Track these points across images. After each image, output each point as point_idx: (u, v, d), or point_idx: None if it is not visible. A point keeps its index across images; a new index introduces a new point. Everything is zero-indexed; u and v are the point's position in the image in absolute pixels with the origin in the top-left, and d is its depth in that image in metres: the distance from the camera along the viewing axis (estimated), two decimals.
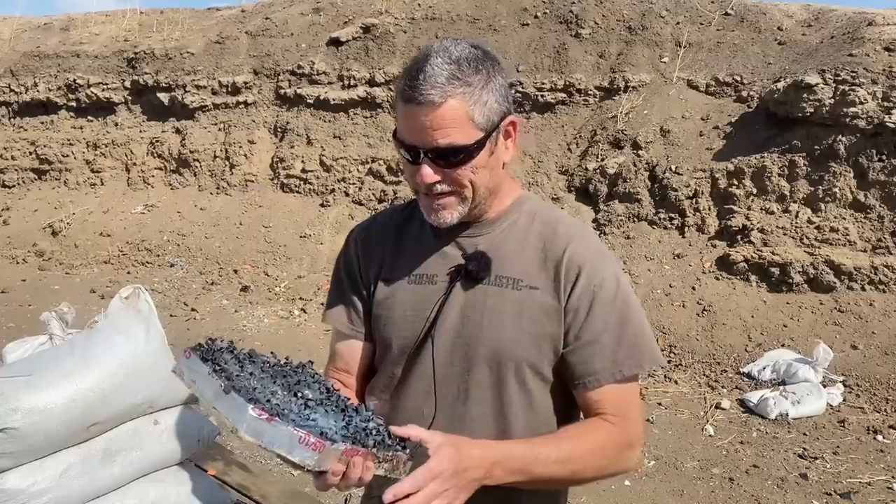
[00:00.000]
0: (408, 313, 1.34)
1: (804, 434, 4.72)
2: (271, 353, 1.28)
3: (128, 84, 9.85)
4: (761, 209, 6.55)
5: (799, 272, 6.07)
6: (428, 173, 1.22)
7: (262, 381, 1.13)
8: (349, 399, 1.20)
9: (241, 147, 9.17)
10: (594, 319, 1.28)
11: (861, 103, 6.16)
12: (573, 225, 1.42)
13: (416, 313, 1.34)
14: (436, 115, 1.18)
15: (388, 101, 8.66)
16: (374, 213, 1.59)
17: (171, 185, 9.40)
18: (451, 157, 1.22)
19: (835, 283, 5.99)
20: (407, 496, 1.06)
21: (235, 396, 1.03)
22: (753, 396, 5.11)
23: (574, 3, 8.59)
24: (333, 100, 8.91)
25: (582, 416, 1.34)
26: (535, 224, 1.37)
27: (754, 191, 6.62)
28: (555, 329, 1.30)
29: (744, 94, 7.31)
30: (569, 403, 1.37)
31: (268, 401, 1.04)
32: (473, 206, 1.29)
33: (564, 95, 8.10)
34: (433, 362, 1.32)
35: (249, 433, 1.01)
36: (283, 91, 9.22)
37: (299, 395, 1.13)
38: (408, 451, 1.13)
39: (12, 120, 10.33)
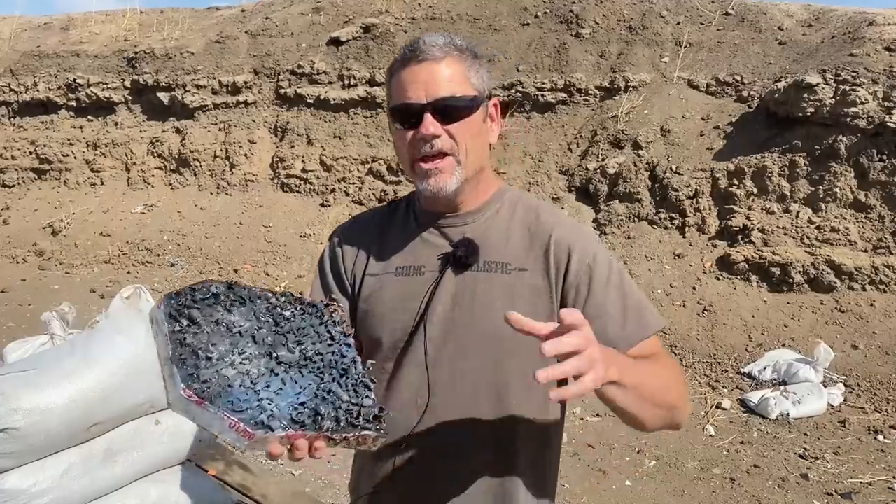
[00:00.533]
0: (397, 305, 1.35)
1: (805, 434, 4.72)
2: (289, 293, 1.25)
3: (128, 84, 9.85)
4: (762, 209, 6.55)
5: (799, 272, 6.07)
6: (430, 124, 1.25)
7: (233, 340, 1.10)
8: (345, 357, 1.18)
9: (241, 147, 9.17)
10: (596, 294, 1.30)
11: (862, 103, 6.15)
12: (554, 210, 1.45)
13: (406, 304, 1.34)
14: (437, 69, 1.26)
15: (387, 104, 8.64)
16: None
17: (171, 184, 9.40)
18: (453, 110, 1.26)
19: (835, 283, 5.99)
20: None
21: (175, 370, 1.00)
22: (754, 396, 5.11)
23: (574, 2, 8.58)
24: (334, 99, 8.91)
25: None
26: (518, 211, 1.40)
27: (755, 191, 6.62)
28: (547, 308, 1.31)
29: (744, 93, 7.31)
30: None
31: (205, 381, 1.00)
32: (464, 181, 1.31)
33: (565, 95, 8.10)
34: (426, 351, 1.32)
35: (178, 409, 1.00)
36: (283, 91, 9.21)
37: (273, 355, 1.11)
38: (381, 430, 1.10)
39: (12, 119, 10.33)
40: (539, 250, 1.34)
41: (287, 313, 1.19)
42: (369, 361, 1.22)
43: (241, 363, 1.07)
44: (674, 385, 1.27)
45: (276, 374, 1.08)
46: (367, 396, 1.14)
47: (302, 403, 1.06)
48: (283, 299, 1.22)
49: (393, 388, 1.36)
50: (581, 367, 0.98)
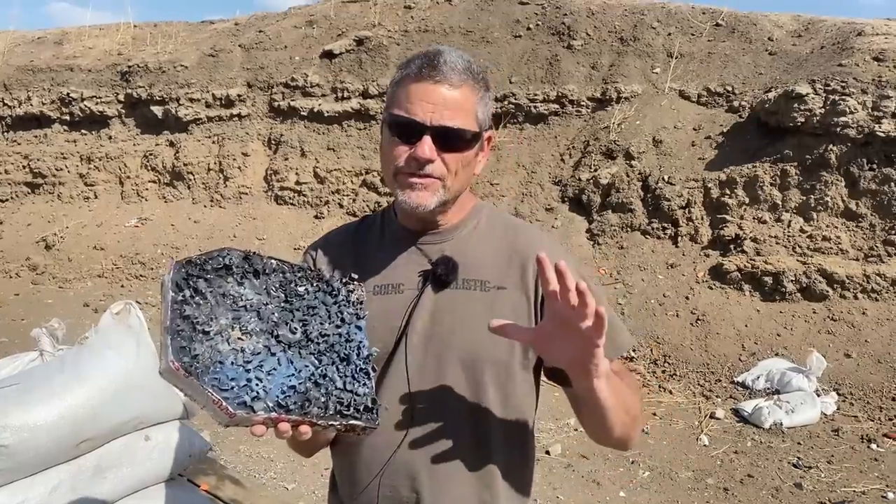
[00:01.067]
0: (376, 324, 1.32)
1: (798, 443, 4.72)
2: (308, 267, 1.23)
3: (121, 97, 9.86)
4: (754, 218, 6.58)
5: (792, 281, 6.09)
6: (427, 148, 1.23)
7: (236, 314, 1.09)
8: (351, 341, 1.18)
9: (234, 159, 9.18)
10: None
11: (851, 113, 6.20)
12: (531, 227, 1.46)
13: (385, 323, 1.33)
14: (451, 96, 1.23)
15: (381, 113, 8.66)
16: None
17: (164, 197, 9.40)
18: (453, 140, 1.25)
19: (827, 291, 6.01)
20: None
21: (168, 341, 1.01)
22: (747, 406, 5.12)
23: (566, 14, 8.64)
24: (327, 112, 8.93)
25: (573, 406, 1.36)
26: (496, 228, 1.40)
27: (746, 200, 6.65)
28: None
29: (735, 104, 7.35)
30: (535, 398, 1.42)
31: (195, 356, 1.01)
32: (447, 200, 1.31)
33: (557, 106, 8.14)
34: (407, 370, 1.32)
35: (166, 378, 1.01)
36: (276, 103, 9.24)
37: (274, 333, 1.11)
38: (371, 420, 1.10)
39: (6, 134, 10.32)
40: (517, 268, 1.34)
41: (301, 289, 1.18)
42: (374, 349, 1.21)
43: (238, 339, 1.07)
44: (636, 400, 1.34)
45: (273, 354, 1.08)
46: (363, 384, 1.14)
47: (292, 387, 1.07)
48: (300, 274, 1.20)
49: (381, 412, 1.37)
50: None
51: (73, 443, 2.06)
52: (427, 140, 1.23)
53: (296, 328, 1.13)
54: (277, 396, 1.04)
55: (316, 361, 1.12)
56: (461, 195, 1.37)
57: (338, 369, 1.13)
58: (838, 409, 5.14)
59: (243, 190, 9.06)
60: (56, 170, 9.76)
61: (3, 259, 8.80)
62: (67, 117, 10.04)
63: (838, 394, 5.27)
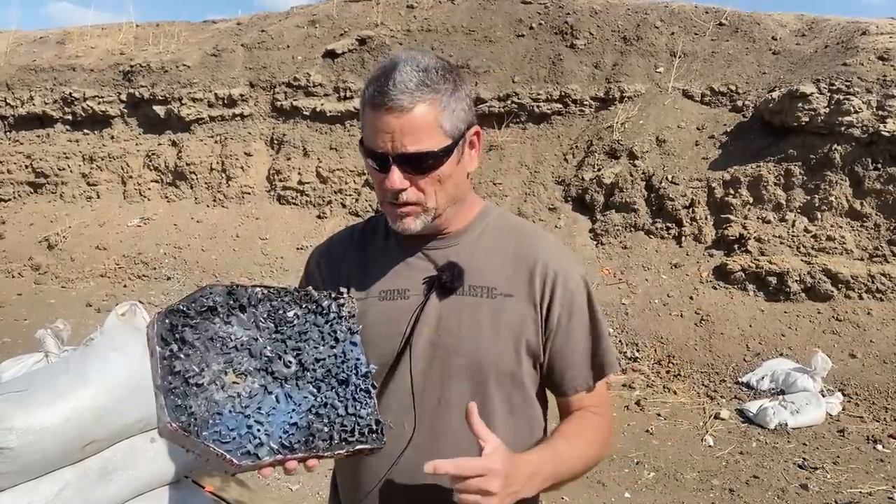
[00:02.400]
0: (381, 330, 1.32)
1: (804, 444, 4.71)
2: (294, 290, 1.20)
3: (124, 97, 9.85)
4: (758, 218, 6.56)
5: (796, 281, 6.07)
6: (397, 180, 1.21)
7: (227, 357, 1.07)
8: (347, 360, 1.17)
9: (237, 159, 9.17)
10: (574, 327, 1.33)
11: (856, 112, 6.18)
12: (538, 231, 1.44)
13: (390, 329, 1.32)
14: (405, 121, 1.18)
15: None
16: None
17: (167, 197, 9.39)
18: (420, 163, 1.21)
19: (832, 291, 5.99)
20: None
21: (164, 401, 1.00)
22: (752, 406, 5.10)
23: (569, 14, 8.62)
24: (330, 111, 8.92)
25: (560, 413, 1.40)
26: (503, 233, 1.38)
27: (750, 200, 6.63)
28: (532, 335, 1.31)
29: (739, 103, 7.33)
30: (544, 406, 1.42)
31: (192, 413, 0.99)
32: (437, 215, 1.29)
33: (560, 106, 8.12)
34: (411, 377, 1.30)
35: (166, 437, 1.01)
36: (279, 103, 9.23)
37: (269, 370, 1.09)
38: (376, 440, 1.10)
39: (8, 133, 10.32)
40: (524, 275, 1.33)
41: (290, 314, 1.16)
42: (372, 366, 1.20)
43: (233, 383, 1.05)
44: (598, 452, 1.37)
45: (270, 393, 1.06)
46: (365, 405, 1.12)
47: (294, 424, 1.05)
48: (287, 298, 1.18)
49: (379, 407, 1.35)
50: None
51: (78, 445, 2.05)
52: (394, 171, 1.21)
53: (290, 361, 1.11)
54: (280, 437, 1.03)
55: (314, 391, 1.10)
56: (464, 201, 1.36)
57: (338, 394, 1.11)
58: (843, 409, 5.12)
59: (246, 190, 9.05)
60: (58, 169, 9.76)
61: (5, 259, 8.79)
62: (70, 117, 10.04)
63: (843, 394, 5.26)
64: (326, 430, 1.06)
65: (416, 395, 1.30)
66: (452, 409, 1.31)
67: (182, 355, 1.04)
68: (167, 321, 1.06)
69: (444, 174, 1.25)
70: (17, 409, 1.96)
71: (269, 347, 1.11)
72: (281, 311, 1.16)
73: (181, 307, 1.09)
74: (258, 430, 1.02)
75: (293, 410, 1.06)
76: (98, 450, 2.12)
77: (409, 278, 1.34)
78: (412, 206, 1.26)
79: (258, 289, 1.16)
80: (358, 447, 1.07)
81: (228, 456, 0.97)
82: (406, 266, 1.36)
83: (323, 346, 1.15)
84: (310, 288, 1.21)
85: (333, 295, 1.22)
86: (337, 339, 1.17)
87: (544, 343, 1.32)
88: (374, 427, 1.10)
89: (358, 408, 1.11)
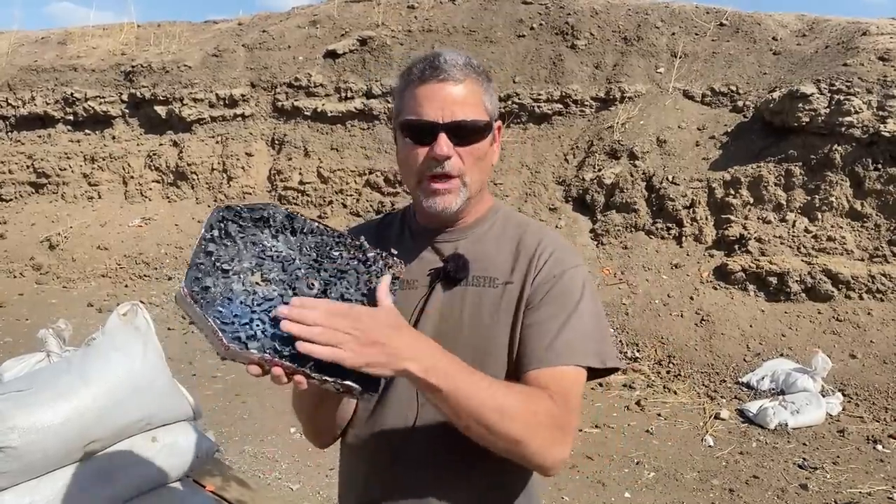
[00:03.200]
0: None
1: (804, 444, 4.71)
2: (350, 237, 1.24)
3: (125, 97, 9.87)
4: (758, 218, 6.57)
5: (796, 281, 6.08)
6: (444, 146, 1.25)
7: (260, 262, 1.14)
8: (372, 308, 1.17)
9: (238, 159, 9.19)
10: (547, 304, 1.30)
11: (856, 112, 6.18)
12: (544, 227, 1.47)
13: None
14: (458, 91, 1.26)
15: (385, 113, 8.69)
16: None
17: (168, 197, 9.41)
18: (467, 132, 1.27)
19: (832, 291, 5.99)
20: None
21: (188, 270, 1.08)
22: (752, 406, 5.11)
23: (570, 14, 8.63)
24: (331, 112, 8.94)
25: None
26: (509, 228, 1.41)
27: (751, 200, 6.63)
28: (520, 318, 1.32)
29: (739, 103, 7.34)
30: None
31: (206, 287, 1.07)
32: (469, 197, 1.33)
33: (561, 106, 8.13)
34: None
35: (179, 302, 1.07)
36: (280, 103, 9.24)
37: (293, 285, 1.14)
38: (371, 385, 1.09)
39: (10, 134, 10.34)
40: (524, 262, 1.35)
41: (335, 254, 1.21)
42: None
43: (256, 283, 1.12)
44: (525, 418, 1.16)
45: (286, 303, 1.09)
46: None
47: (292, 336, 1.07)
48: (339, 240, 1.23)
49: (381, 401, 1.36)
50: (319, 337, 1.02)
51: (80, 444, 2.05)
52: (443, 137, 1.25)
53: (313, 284, 1.15)
54: (276, 342, 1.06)
55: None
56: (484, 191, 1.40)
57: None
58: (843, 409, 5.12)
59: (247, 190, 9.06)
60: (60, 170, 9.78)
61: (7, 259, 8.81)
62: (71, 117, 10.06)
63: (843, 394, 5.26)
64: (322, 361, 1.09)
65: None
66: None
67: (220, 243, 1.13)
68: (220, 213, 1.15)
69: (482, 150, 1.31)
70: (19, 408, 1.97)
71: (302, 269, 1.17)
72: (328, 248, 1.22)
73: (239, 207, 1.17)
74: (257, 325, 1.07)
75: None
76: (100, 449, 2.13)
77: (417, 269, 1.38)
78: (454, 181, 1.30)
79: (316, 223, 1.23)
80: (347, 382, 1.07)
81: (221, 335, 1.02)
82: (415, 257, 1.39)
83: (354, 289, 1.19)
84: (363, 238, 1.26)
85: (384, 254, 1.26)
86: (370, 290, 1.20)
87: (521, 321, 1.31)
88: (370, 381, 1.10)
89: None
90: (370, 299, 1.18)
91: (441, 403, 1.13)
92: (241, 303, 1.08)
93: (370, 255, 1.24)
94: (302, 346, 1.01)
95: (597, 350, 1.29)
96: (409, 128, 1.28)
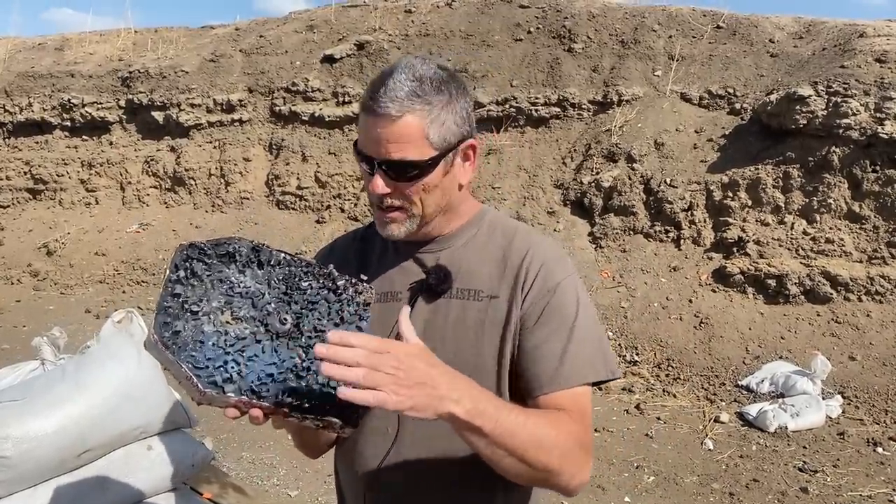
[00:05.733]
0: (375, 332, 1.30)
1: (804, 447, 4.70)
2: (317, 265, 1.21)
3: (122, 103, 9.86)
4: (756, 221, 6.56)
5: (795, 283, 6.07)
6: (379, 184, 1.23)
7: (229, 299, 1.11)
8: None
9: (236, 164, 9.18)
10: (545, 324, 1.27)
11: (854, 114, 6.18)
12: (531, 233, 1.41)
13: (382, 331, 1.31)
14: (391, 129, 1.20)
15: None
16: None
17: (166, 203, 9.40)
18: (403, 172, 1.22)
19: (831, 294, 5.98)
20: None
21: (156, 315, 1.06)
22: (752, 409, 5.09)
23: (567, 17, 8.63)
24: (328, 116, 8.93)
25: None
26: (495, 236, 1.37)
27: (749, 202, 6.63)
28: (512, 334, 1.28)
29: (737, 106, 7.34)
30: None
31: (177, 332, 1.05)
32: (422, 224, 1.29)
33: (558, 110, 8.13)
34: None
35: (149, 349, 1.05)
36: (277, 108, 9.23)
37: (265, 322, 1.11)
38: (351, 419, 1.08)
39: (7, 140, 10.33)
40: (510, 275, 1.31)
41: (304, 284, 1.18)
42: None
43: (227, 323, 1.09)
44: (560, 446, 1.15)
45: (258, 342, 1.09)
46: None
47: (270, 375, 1.07)
48: (307, 270, 1.20)
49: (364, 416, 1.35)
50: (363, 380, 0.96)
51: (74, 453, 2.04)
52: (377, 175, 1.23)
53: (286, 319, 1.13)
54: (252, 382, 1.05)
55: (303, 354, 1.11)
56: (455, 209, 1.35)
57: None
58: (843, 412, 5.11)
59: (245, 195, 9.06)
60: (57, 176, 9.77)
61: (4, 265, 8.79)
62: (68, 123, 10.05)
63: (843, 397, 5.25)
64: (301, 391, 1.08)
65: None
66: None
67: (187, 284, 1.10)
68: (185, 252, 1.13)
69: (428, 184, 1.25)
70: (13, 417, 1.95)
71: (272, 304, 1.14)
72: (297, 279, 1.19)
73: (203, 245, 1.15)
74: (232, 367, 1.05)
75: (274, 363, 1.08)
76: (94, 458, 2.11)
77: (400, 281, 1.35)
78: (396, 212, 1.27)
79: (283, 254, 1.20)
80: (328, 418, 1.06)
81: (196, 380, 1.01)
82: (399, 269, 1.36)
83: (327, 320, 1.16)
84: (332, 267, 1.22)
85: (353, 281, 1.22)
86: (343, 319, 1.17)
87: (518, 342, 1.28)
88: (349, 405, 1.07)
89: (339, 383, 1.10)
90: (343, 328, 1.15)
91: (478, 441, 1.08)
92: (214, 344, 1.06)
93: (339, 283, 1.20)
94: (343, 393, 0.95)
95: (603, 362, 1.28)
96: (358, 156, 1.27)
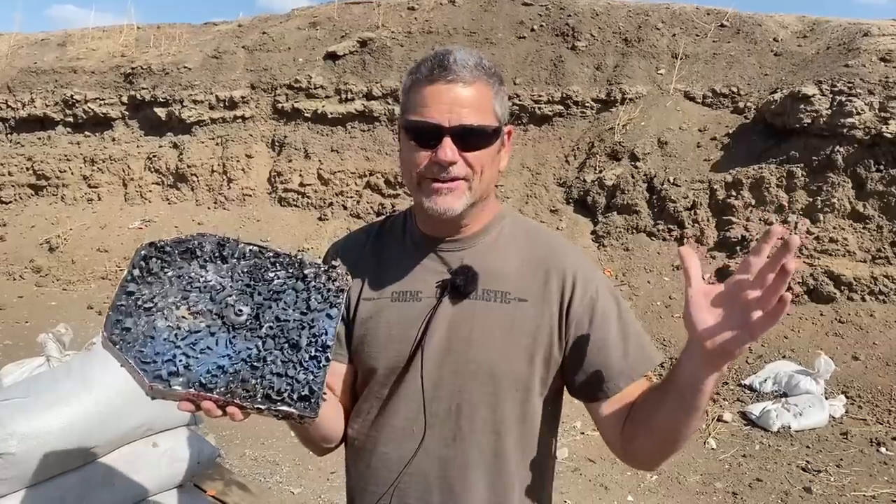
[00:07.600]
0: (393, 332, 1.30)
1: (807, 447, 4.69)
2: (286, 255, 1.20)
3: (125, 99, 9.86)
4: (760, 220, 6.55)
5: (799, 283, 6.06)
6: (450, 148, 1.19)
7: (186, 294, 1.11)
8: (311, 327, 1.14)
9: (238, 161, 9.17)
10: (599, 327, 1.27)
11: (858, 114, 6.17)
12: (554, 236, 1.42)
13: (403, 331, 1.30)
14: (465, 94, 1.20)
15: (385, 115, 8.68)
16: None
17: (168, 199, 9.39)
18: (474, 138, 1.21)
19: (835, 293, 5.98)
20: None
21: (109, 313, 1.07)
22: (755, 409, 5.09)
23: (570, 15, 8.62)
24: (331, 113, 8.92)
25: (603, 418, 1.29)
26: (518, 237, 1.36)
27: (753, 202, 6.62)
28: (547, 340, 1.28)
29: (741, 105, 7.33)
30: (556, 414, 1.37)
31: (126, 329, 1.06)
32: (475, 201, 1.27)
33: (562, 108, 8.12)
34: (422, 381, 1.28)
35: (105, 347, 1.07)
36: (280, 105, 9.22)
37: (221, 314, 1.11)
38: (305, 409, 1.08)
39: (9, 135, 10.32)
40: (540, 279, 1.30)
41: (270, 275, 1.17)
42: (331, 340, 1.16)
43: (182, 318, 1.09)
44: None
45: (213, 334, 1.09)
46: (308, 372, 1.10)
47: (221, 367, 1.07)
48: (275, 260, 1.19)
49: (386, 415, 1.32)
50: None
51: (80, 450, 2.03)
52: (447, 142, 1.19)
53: (241, 310, 1.12)
54: (202, 376, 1.05)
55: (259, 344, 1.11)
56: (489, 197, 1.34)
57: (283, 354, 1.11)
58: (847, 411, 5.10)
59: (247, 192, 9.05)
60: (60, 172, 9.76)
61: (6, 261, 8.79)
62: (71, 119, 10.04)
63: (846, 396, 5.24)
64: (253, 382, 1.07)
65: (427, 399, 1.28)
66: (464, 415, 1.28)
67: (142, 282, 1.11)
68: (143, 252, 1.13)
69: (489, 156, 1.25)
70: (19, 414, 1.95)
71: (233, 297, 1.13)
72: (262, 271, 1.17)
73: (163, 243, 1.15)
74: (179, 361, 1.05)
75: (227, 356, 1.08)
76: (100, 455, 2.11)
77: (422, 280, 1.32)
78: (460, 181, 1.24)
79: (250, 246, 1.19)
80: (282, 408, 1.06)
81: (142, 375, 1.02)
82: (420, 267, 1.33)
83: (292, 309, 1.15)
84: (303, 254, 1.21)
85: (325, 267, 1.20)
86: (309, 308, 1.16)
87: (566, 349, 1.28)
88: (307, 395, 1.08)
89: (297, 372, 1.10)
90: (309, 316, 1.15)
91: (706, 399, 1.14)
92: (165, 339, 1.06)
93: (307, 271, 1.19)
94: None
95: (653, 349, 1.33)
96: (412, 129, 1.22)
